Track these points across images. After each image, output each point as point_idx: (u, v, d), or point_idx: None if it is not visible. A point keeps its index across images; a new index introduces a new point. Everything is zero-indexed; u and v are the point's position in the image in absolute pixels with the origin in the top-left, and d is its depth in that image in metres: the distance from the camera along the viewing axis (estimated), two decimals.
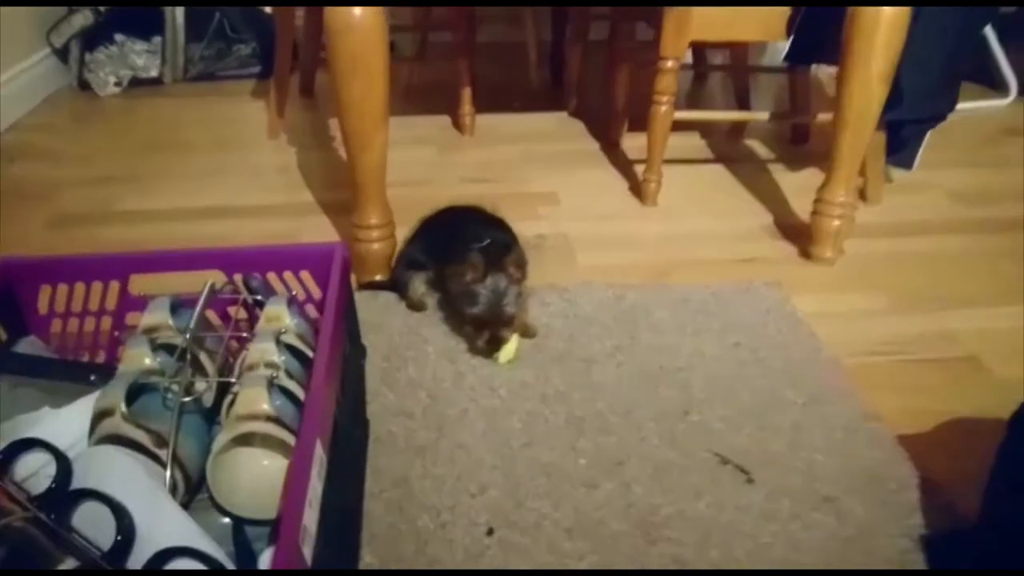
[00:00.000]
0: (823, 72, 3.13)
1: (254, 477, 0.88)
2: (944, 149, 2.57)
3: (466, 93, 2.77)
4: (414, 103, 3.17)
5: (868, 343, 1.68)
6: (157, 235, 2.10)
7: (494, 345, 1.55)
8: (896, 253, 2.04)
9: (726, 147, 2.79)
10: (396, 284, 1.77)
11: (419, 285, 1.73)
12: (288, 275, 1.21)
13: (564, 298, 1.79)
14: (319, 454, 0.81)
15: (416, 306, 1.74)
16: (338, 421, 1.01)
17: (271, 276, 1.20)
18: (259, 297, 1.13)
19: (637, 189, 2.37)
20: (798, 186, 2.40)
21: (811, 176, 2.49)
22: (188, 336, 1.00)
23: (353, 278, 1.85)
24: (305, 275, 1.20)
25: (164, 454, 0.85)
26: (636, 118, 2.80)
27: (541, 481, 1.29)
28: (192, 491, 0.91)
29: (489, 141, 2.79)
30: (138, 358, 0.95)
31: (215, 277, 1.18)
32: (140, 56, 3.28)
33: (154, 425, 0.88)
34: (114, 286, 1.17)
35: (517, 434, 1.39)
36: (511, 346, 1.57)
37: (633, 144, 2.73)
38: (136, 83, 3.30)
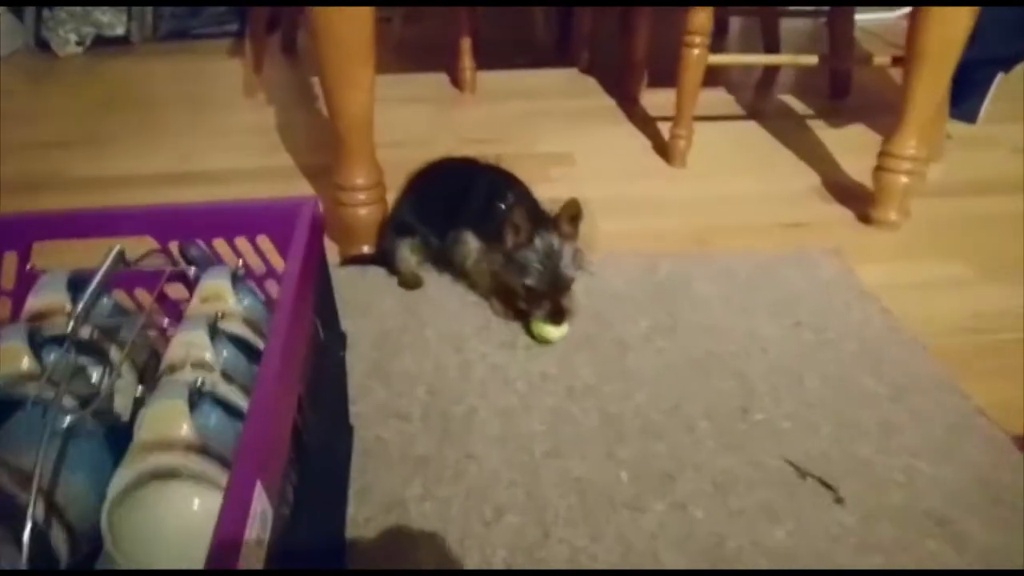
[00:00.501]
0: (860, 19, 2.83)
1: (175, 525, 0.60)
2: (1009, 101, 2.28)
3: (466, 44, 2.47)
4: (407, 60, 2.87)
5: (952, 320, 1.40)
6: (109, 204, 1.81)
7: (559, 316, 1.28)
8: (967, 215, 1.76)
9: (756, 102, 2.50)
10: (384, 255, 1.48)
11: (409, 255, 1.45)
12: (242, 242, 0.93)
13: (587, 270, 1.51)
14: (263, 495, 0.53)
15: (410, 282, 1.46)
16: (304, 433, 0.74)
17: (220, 244, 0.92)
18: (195, 270, 0.84)
19: (662, 147, 2.09)
20: (845, 143, 2.12)
21: (859, 133, 2.21)
22: (74, 323, 0.71)
23: (336, 251, 1.56)
24: (264, 242, 0.91)
25: (27, 499, 0.57)
26: (657, 72, 2.52)
27: (572, 501, 1.02)
28: (83, 551, 0.63)
29: (492, 98, 2.50)
30: (12, 357, 0.67)
31: (146, 246, 0.90)
32: (104, 12, 2.97)
33: (25, 458, 0.59)
34: (9, 259, 0.88)
35: (539, 439, 1.11)
36: (547, 334, 1.30)
37: (653, 100, 2.45)
38: (100, 42, 2.99)
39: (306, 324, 0.76)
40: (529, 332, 1.32)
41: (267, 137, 2.21)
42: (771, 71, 2.76)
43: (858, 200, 1.80)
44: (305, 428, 0.75)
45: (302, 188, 1.87)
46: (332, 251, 1.58)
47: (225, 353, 0.72)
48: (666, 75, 2.63)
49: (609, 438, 1.11)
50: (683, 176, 1.97)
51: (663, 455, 1.09)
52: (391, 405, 1.17)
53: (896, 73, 2.78)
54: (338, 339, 1.02)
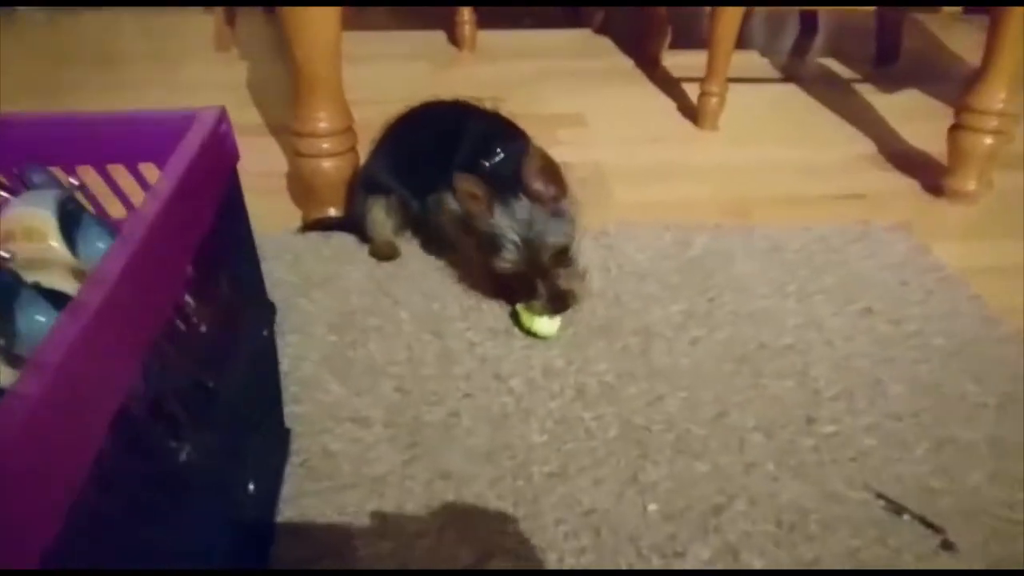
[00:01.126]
0: None
1: None
2: None
3: None
4: (400, 17, 2.59)
5: None
6: None
7: (561, 302, 0.99)
8: None
9: (792, 65, 2.21)
10: (353, 219, 1.21)
11: (384, 219, 1.17)
12: (119, 171, 0.65)
13: (602, 243, 1.23)
14: None
15: (383, 251, 1.18)
16: (178, 443, 0.46)
17: (86, 171, 0.64)
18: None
19: (689, 109, 1.81)
20: (900, 109, 1.84)
21: (914, 98, 1.93)
22: None
23: (298, 218, 1.28)
24: (151, 171, 0.63)
25: None
26: (679, 32, 2.24)
27: (585, 542, 0.74)
28: None
29: (493, 57, 2.21)
30: None
31: None
32: None
33: None
34: None
35: (540, 455, 0.84)
36: (540, 328, 1.02)
37: (676, 61, 2.16)
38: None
39: (174, 273, 0.48)
40: (518, 323, 1.04)
41: (236, 93, 1.93)
42: (808, 34, 2.47)
43: (924, 169, 1.53)
44: (178, 434, 0.48)
45: (270, 147, 1.59)
46: (294, 216, 1.30)
47: (43, 320, 0.45)
48: (689, 36, 2.38)
49: (632, 456, 0.84)
50: (715, 140, 1.68)
51: (705, 480, 0.81)
52: (346, 406, 0.90)
53: (956, 32, 2.51)
54: (261, 312, 0.74)
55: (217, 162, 0.59)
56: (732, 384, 0.94)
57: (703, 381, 0.95)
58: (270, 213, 1.32)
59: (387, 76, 1.96)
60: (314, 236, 1.23)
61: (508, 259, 0.98)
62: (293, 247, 1.20)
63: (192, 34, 2.38)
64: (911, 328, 1.05)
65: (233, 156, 0.64)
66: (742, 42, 1.91)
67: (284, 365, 0.95)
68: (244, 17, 2.28)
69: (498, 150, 1.03)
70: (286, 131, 1.52)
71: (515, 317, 1.04)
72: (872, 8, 2.14)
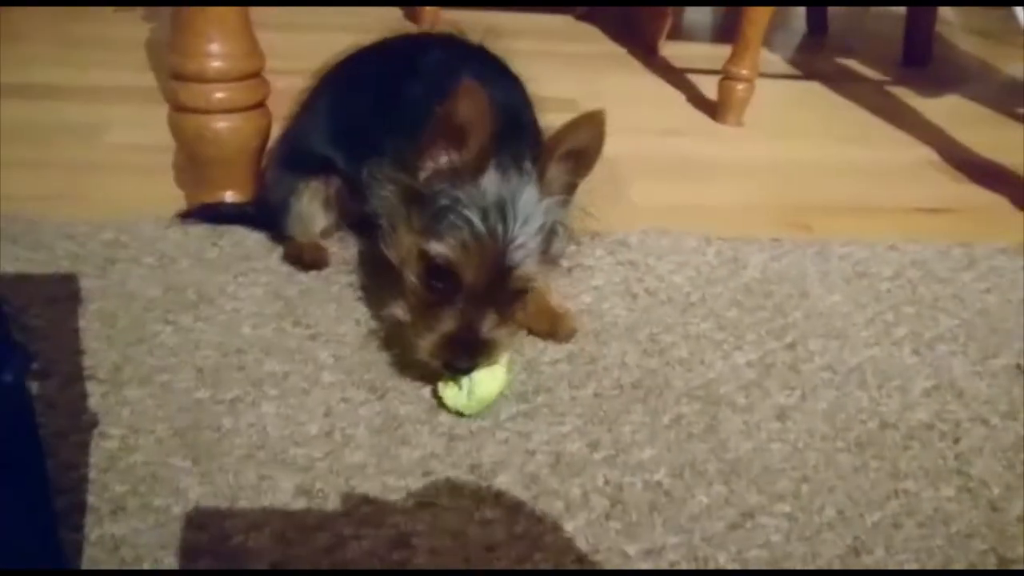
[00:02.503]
0: None
1: None
2: None
3: None
4: None
5: None
6: None
7: (470, 353, 0.60)
8: None
9: (811, 63, 1.89)
10: (265, 209, 0.81)
11: (318, 212, 0.78)
12: None
13: (622, 259, 0.86)
14: None
15: (307, 256, 0.79)
16: None
17: None
18: None
19: (700, 100, 1.47)
20: (947, 113, 1.52)
21: (961, 105, 1.64)
22: None
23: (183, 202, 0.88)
24: None
25: None
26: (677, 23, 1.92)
27: None
28: None
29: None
30: None
31: None
32: None
33: None
34: None
35: None
36: (492, 378, 0.62)
37: (676, 52, 1.82)
38: None
39: None
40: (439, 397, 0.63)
41: (133, 53, 1.52)
42: (817, 34, 2.17)
43: (1006, 182, 1.21)
44: None
45: (160, 114, 1.18)
46: (176, 205, 0.89)
47: None
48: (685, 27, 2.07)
49: None
50: (743, 135, 1.34)
51: None
52: (210, 527, 0.50)
53: (980, 41, 2.25)
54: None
55: None
56: (859, 490, 0.57)
57: (813, 484, 0.58)
58: (141, 197, 0.92)
59: (324, 47, 1.57)
60: (198, 231, 0.83)
61: (449, 245, 0.58)
62: (160, 245, 0.79)
63: None
64: None
65: None
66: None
67: (110, 444, 0.55)
68: None
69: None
70: None
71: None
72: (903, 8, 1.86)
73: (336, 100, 0.78)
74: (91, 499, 0.50)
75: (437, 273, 0.60)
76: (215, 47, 0.76)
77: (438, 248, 0.59)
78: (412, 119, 0.63)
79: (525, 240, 0.60)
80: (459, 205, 0.59)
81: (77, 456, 0.53)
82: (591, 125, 0.62)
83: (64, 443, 0.54)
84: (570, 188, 0.64)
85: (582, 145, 0.63)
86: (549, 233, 0.62)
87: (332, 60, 0.81)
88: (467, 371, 0.60)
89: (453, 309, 0.60)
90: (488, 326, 0.60)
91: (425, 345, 0.60)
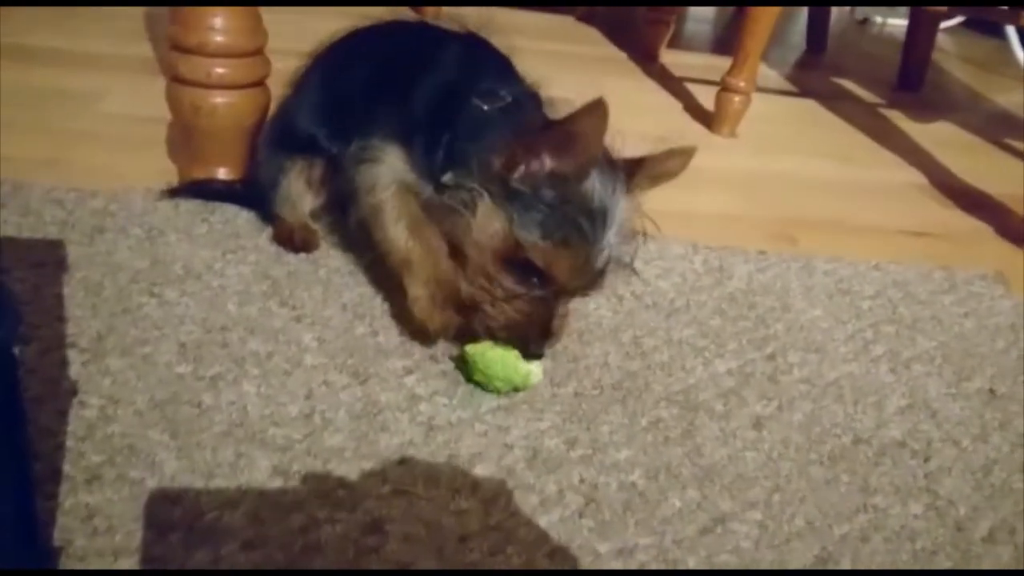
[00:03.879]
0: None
1: None
2: None
3: None
4: None
5: None
6: None
7: (535, 348, 0.63)
8: None
9: (806, 80, 1.90)
10: (255, 188, 0.81)
11: (304, 191, 0.79)
12: None
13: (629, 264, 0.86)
14: None
15: (296, 237, 0.79)
16: None
17: None
18: None
19: (697, 110, 1.48)
20: (937, 139, 1.54)
21: (951, 132, 1.66)
22: None
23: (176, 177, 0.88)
24: None
25: None
26: (678, 32, 1.93)
27: None
28: None
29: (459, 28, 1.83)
30: None
31: None
32: None
33: None
34: None
35: None
36: (527, 369, 0.63)
37: (677, 60, 1.83)
38: None
39: None
40: (466, 370, 0.65)
41: (133, 21, 1.51)
42: (815, 51, 2.19)
43: (991, 210, 1.23)
44: None
45: (157, 84, 1.17)
46: (168, 178, 0.89)
47: None
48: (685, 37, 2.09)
49: None
50: (737, 147, 1.35)
51: None
52: (185, 500, 0.50)
53: (974, 70, 2.28)
54: None
55: None
56: (829, 503, 0.58)
57: (785, 494, 0.58)
58: (133, 168, 0.91)
59: (326, 30, 1.57)
60: (188, 206, 0.82)
61: (550, 244, 0.60)
62: (149, 218, 0.79)
63: None
64: None
65: None
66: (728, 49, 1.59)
67: (89, 413, 0.55)
68: None
69: (501, 92, 0.66)
70: None
71: (463, 361, 0.65)
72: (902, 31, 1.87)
73: (326, 79, 0.78)
74: (67, 467, 0.50)
75: (525, 265, 0.61)
76: (218, 20, 0.76)
77: (534, 246, 0.60)
78: (424, 115, 0.65)
79: (616, 245, 0.62)
80: (565, 206, 0.60)
81: (55, 423, 0.53)
82: (683, 158, 0.68)
83: (42, 409, 0.54)
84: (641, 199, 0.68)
85: (669, 171, 0.68)
86: (631, 239, 0.66)
87: (326, 41, 0.81)
88: (540, 356, 0.63)
89: (533, 296, 0.62)
90: (558, 317, 0.63)
91: (500, 323, 0.62)
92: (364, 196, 0.68)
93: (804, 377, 0.73)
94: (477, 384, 0.64)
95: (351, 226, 0.74)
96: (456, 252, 0.65)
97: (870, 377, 0.74)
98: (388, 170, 0.68)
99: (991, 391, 0.75)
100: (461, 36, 0.74)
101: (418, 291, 0.65)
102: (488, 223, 0.62)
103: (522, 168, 0.61)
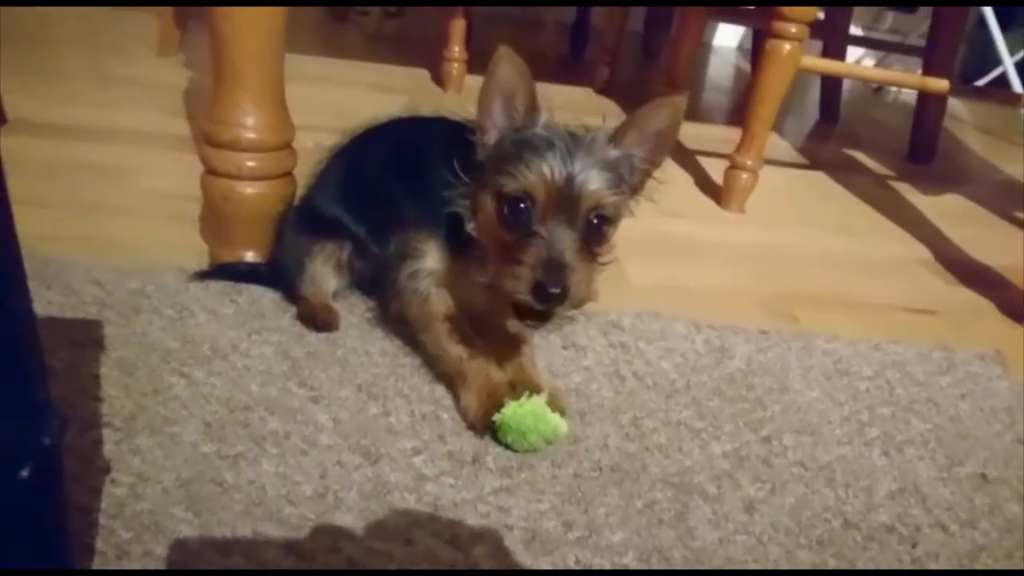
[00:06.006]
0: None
1: None
2: None
3: (457, 28, 1.89)
4: (382, 53, 2.31)
5: None
6: None
7: (549, 286, 0.63)
8: None
9: (817, 152, 1.95)
10: (279, 269, 0.87)
11: (326, 274, 0.85)
12: None
13: (613, 340, 0.90)
14: None
15: (318, 317, 0.84)
16: None
17: None
18: None
19: (709, 184, 1.53)
20: (945, 212, 1.58)
21: (960, 204, 1.70)
22: None
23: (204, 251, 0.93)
24: None
25: None
26: (693, 103, 1.99)
27: None
28: None
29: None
30: None
31: None
32: None
33: None
34: None
35: None
36: (557, 420, 0.70)
37: (689, 133, 1.89)
38: None
39: None
40: (499, 434, 0.70)
41: (169, 98, 1.59)
42: (828, 121, 2.25)
43: (995, 286, 1.27)
44: None
45: (191, 161, 1.25)
46: (201, 256, 0.95)
47: None
48: (701, 108, 2.15)
49: None
50: (744, 222, 1.39)
51: None
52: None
53: (984, 140, 2.32)
54: (30, 415, 0.38)
55: None
56: None
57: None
58: (166, 245, 0.97)
59: (351, 103, 1.64)
60: (217, 286, 0.88)
61: (518, 172, 0.65)
62: (180, 298, 0.84)
63: (137, 33, 2.05)
64: None
65: None
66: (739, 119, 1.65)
67: (120, 490, 0.59)
68: (198, 21, 1.96)
69: None
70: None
71: (495, 427, 0.70)
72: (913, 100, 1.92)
73: (348, 167, 0.84)
74: (99, 543, 0.55)
75: (512, 207, 0.66)
76: (250, 120, 0.83)
77: (507, 181, 0.65)
78: (435, 183, 0.71)
79: (591, 165, 0.65)
80: (522, 144, 0.66)
81: (88, 500, 0.58)
82: (671, 109, 0.69)
83: (78, 487, 0.58)
84: (644, 173, 0.71)
85: (660, 127, 0.69)
86: (619, 171, 0.68)
87: (352, 130, 0.88)
88: (559, 297, 0.63)
89: (534, 240, 0.65)
90: (569, 251, 0.65)
91: (513, 283, 0.64)
92: (413, 302, 0.76)
93: (797, 460, 0.75)
94: (509, 446, 0.69)
95: (389, 314, 0.83)
96: (482, 261, 0.70)
97: (863, 460, 0.77)
98: (428, 262, 0.76)
99: (983, 475, 0.78)
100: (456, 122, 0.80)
101: (471, 401, 0.73)
102: (483, 200, 0.69)
103: (486, 137, 0.69)
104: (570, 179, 0.65)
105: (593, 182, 0.65)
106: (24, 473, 0.36)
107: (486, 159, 0.70)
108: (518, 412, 0.68)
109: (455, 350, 0.76)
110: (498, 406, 0.70)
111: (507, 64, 0.67)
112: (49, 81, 1.56)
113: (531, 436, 0.68)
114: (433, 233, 0.75)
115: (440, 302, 0.77)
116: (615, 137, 0.69)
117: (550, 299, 0.63)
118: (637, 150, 0.70)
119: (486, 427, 0.71)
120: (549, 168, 0.65)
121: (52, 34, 1.97)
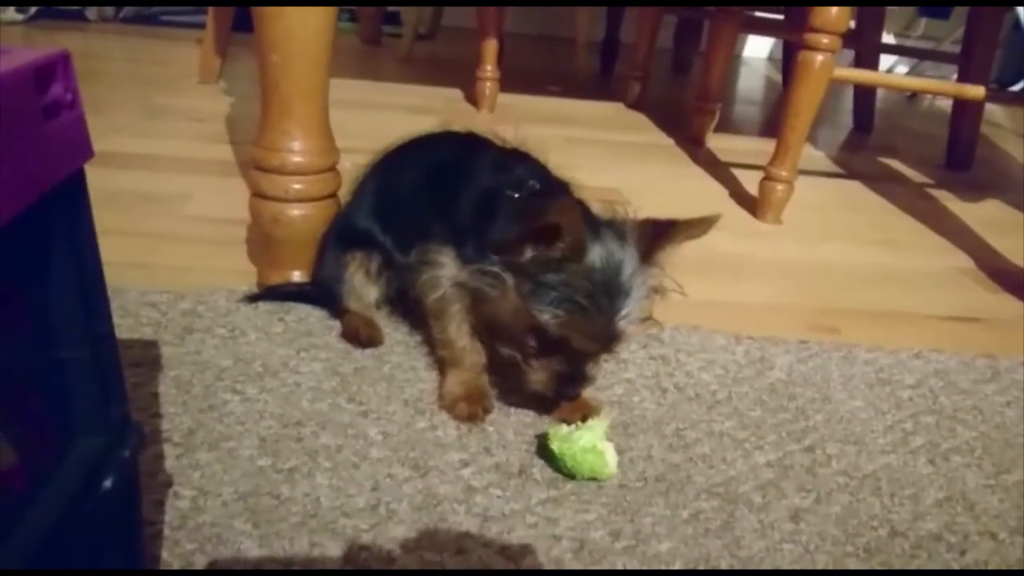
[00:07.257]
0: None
1: None
2: None
3: (489, 48, 1.93)
4: (415, 74, 2.35)
5: None
6: None
7: (575, 388, 0.73)
8: None
9: (852, 162, 1.94)
10: (321, 286, 0.89)
11: (365, 286, 0.87)
12: None
13: (654, 353, 0.92)
14: None
15: (362, 331, 0.86)
16: None
17: None
18: None
19: (744, 197, 1.53)
20: (986, 220, 1.57)
21: (999, 210, 1.66)
22: None
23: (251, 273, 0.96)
24: None
25: None
26: (725, 115, 2.00)
27: None
28: None
29: (514, 120, 1.94)
30: None
31: None
32: None
33: None
34: None
35: None
36: (612, 463, 0.70)
37: (722, 145, 1.90)
38: (50, 14, 2.47)
39: None
40: (553, 462, 0.71)
41: (213, 126, 1.65)
42: (863, 131, 2.24)
43: None
44: None
45: (238, 190, 1.28)
46: (248, 278, 0.98)
47: None
48: (733, 120, 2.16)
49: None
50: (781, 234, 1.39)
51: None
52: None
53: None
54: (112, 430, 0.41)
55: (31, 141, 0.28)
56: None
57: None
58: (216, 269, 1.01)
59: (388, 125, 1.67)
60: (266, 306, 0.91)
61: (558, 321, 0.68)
62: (231, 318, 0.87)
63: (179, 62, 2.12)
64: None
65: (78, 143, 0.32)
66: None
67: (182, 503, 0.62)
68: (237, 49, 2.02)
69: (531, 181, 0.73)
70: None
71: (546, 449, 0.71)
72: (949, 108, 1.91)
73: (386, 186, 0.87)
74: (164, 554, 0.57)
75: (546, 337, 0.70)
76: (296, 144, 0.86)
77: (548, 321, 0.68)
78: (468, 219, 0.73)
79: (630, 311, 0.69)
80: (565, 285, 0.67)
81: (153, 513, 0.60)
82: (704, 227, 0.74)
83: (143, 501, 0.61)
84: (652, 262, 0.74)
85: (693, 235, 0.74)
86: (647, 298, 0.72)
87: (386, 147, 0.91)
88: (575, 398, 0.73)
89: (562, 356, 0.70)
90: (590, 367, 0.72)
91: (538, 379, 0.72)
92: (429, 295, 0.78)
93: (842, 469, 0.76)
94: (557, 469, 0.70)
95: (417, 316, 0.86)
96: (493, 322, 0.74)
97: (908, 469, 0.77)
98: (447, 271, 0.77)
99: None
100: (497, 145, 0.82)
101: (454, 389, 0.77)
102: (509, 303, 0.70)
103: (528, 253, 0.69)
104: (610, 329, 0.69)
105: (632, 326, 0.70)
106: (107, 484, 0.39)
107: (527, 262, 0.69)
108: (576, 455, 0.68)
109: (460, 339, 0.78)
110: (481, 402, 0.75)
111: (566, 218, 0.65)
112: (98, 115, 1.62)
113: (583, 473, 0.69)
114: (454, 247, 0.76)
115: (456, 298, 0.77)
116: (648, 252, 0.71)
117: (567, 396, 0.74)
118: (664, 255, 0.73)
119: (465, 419, 0.75)
120: (592, 328, 0.68)
121: (99, 68, 2.05)
